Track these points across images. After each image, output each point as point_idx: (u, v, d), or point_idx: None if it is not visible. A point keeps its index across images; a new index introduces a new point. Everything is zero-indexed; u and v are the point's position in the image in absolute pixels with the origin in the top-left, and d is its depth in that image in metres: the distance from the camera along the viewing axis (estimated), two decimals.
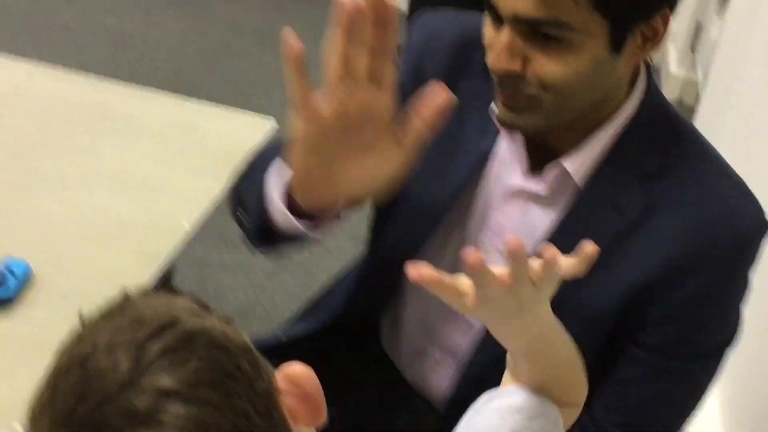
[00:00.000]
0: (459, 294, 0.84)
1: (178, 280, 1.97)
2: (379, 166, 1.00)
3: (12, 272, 1.27)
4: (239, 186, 1.21)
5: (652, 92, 1.14)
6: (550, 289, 0.89)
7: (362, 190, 1.02)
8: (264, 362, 0.71)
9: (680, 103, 3.64)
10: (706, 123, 2.87)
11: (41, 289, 1.29)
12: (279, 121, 1.77)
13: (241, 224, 1.19)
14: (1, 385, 1.15)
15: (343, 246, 2.72)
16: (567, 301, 1.12)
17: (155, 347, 0.65)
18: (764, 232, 1.11)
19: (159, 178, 1.56)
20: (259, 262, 2.68)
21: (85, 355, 0.67)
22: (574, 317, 1.12)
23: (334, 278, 1.49)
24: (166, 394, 0.63)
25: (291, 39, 0.93)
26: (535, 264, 0.85)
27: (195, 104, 1.80)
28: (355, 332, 1.37)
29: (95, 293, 1.29)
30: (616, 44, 1.02)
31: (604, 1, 0.98)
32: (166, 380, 0.64)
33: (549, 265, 0.84)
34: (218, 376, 0.66)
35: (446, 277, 0.83)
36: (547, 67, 1.02)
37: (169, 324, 0.67)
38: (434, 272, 0.81)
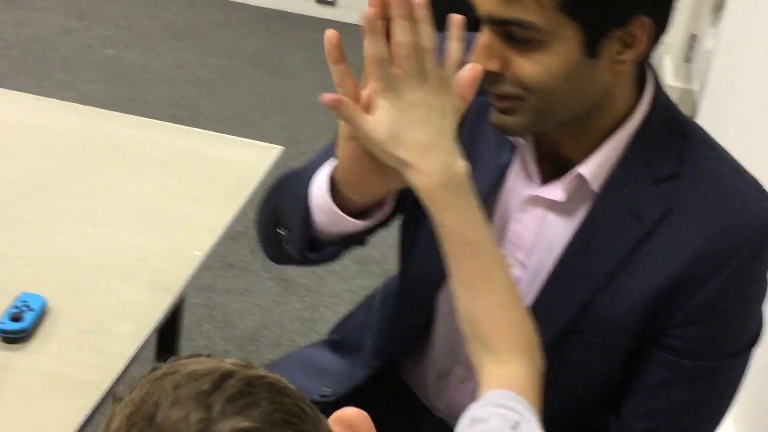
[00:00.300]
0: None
1: (186, 307, 1.96)
2: None
3: (28, 306, 1.27)
4: (272, 208, 1.24)
5: (661, 98, 1.15)
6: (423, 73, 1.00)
7: (394, 183, 1.07)
8: (316, 408, 0.72)
9: None
10: (707, 130, 2.87)
11: (58, 322, 1.29)
12: (279, 143, 1.79)
13: (280, 242, 1.21)
14: (21, 418, 1.14)
15: (349, 268, 2.73)
16: (592, 307, 1.15)
17: (222, 396, 0.66)
18: None
19: (170, 208, 1.56)
20: (266, 286, 2.69)
21: (149, 412, 0.66)
22: (600, 323, 1.15)
23: (355, 311, 1.51)
24: None
25: (329, 33, 1.01)
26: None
27: (201, 133, 1.81)
28: (379, 369, 1.37)
29: (112, 325, 1.30)
30: (591, 48, 1.04)
31: (569, 4, 1.00)
32: (242, 422, 0.64)
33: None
34: (288, 416, 0.67)
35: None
36: (524, 67, 1.05)
37: (226, 375, 0.67)
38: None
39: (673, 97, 3.69)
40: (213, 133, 1.81)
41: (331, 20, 4.38)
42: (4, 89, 1.87)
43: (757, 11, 2.64)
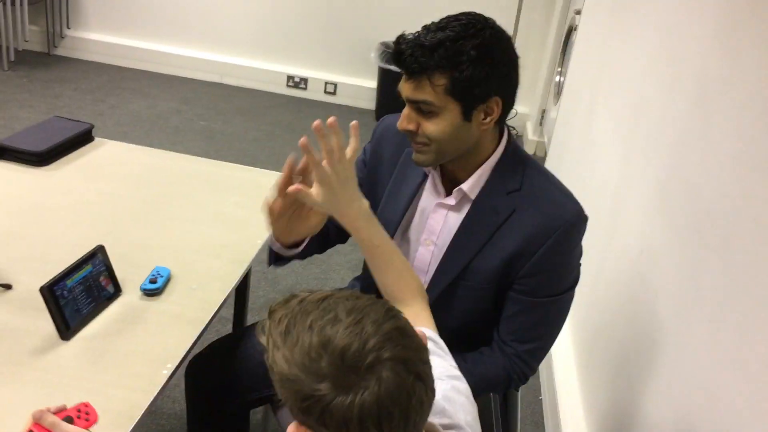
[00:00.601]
0: (310, 190, 0.98)
1: (250, 273, 1.96)
2: (311, 222, 1.09)
3: (160, 274, 1.28)
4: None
5: (512, 144, 1.15)
6: (342, 170, 0.98)
7: (306, 233, 1.10)
8: None
9: (535, 156, 3.68)
10: (552, 166, 2.91)
11: (177, 283, 1.29)
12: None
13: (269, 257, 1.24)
14: (156, 340, 1.15)
15: (347, 249, 2.73)
16: (470, 265, 1.14)
17: (380, 309, 0.63)
18: (585, 220, 1.12)
19: (241, 215, 1.56)
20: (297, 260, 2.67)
21: (333, 316, 0.62)
22: (475, 275, 1.14)
23: (349, 277, 1.50)
24: (393, 331, 0.62)
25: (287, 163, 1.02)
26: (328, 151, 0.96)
27: (258, 171, 1.80)
28: None
29: (208, 284, 1.31)
30: (466, 116, 1.05)
31: (451, 91, 1.01)
32: (395, 323, 0.63)
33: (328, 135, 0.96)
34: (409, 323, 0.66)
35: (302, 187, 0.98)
36: (428, 127, 1.05)
37: (372, 298, 0.65)
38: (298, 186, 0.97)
39: (532, 146, 3.75)
40: (264, 170, 1.80)
41: (332, 103, 4.38)
42: (141, 146, 1.86)
43: (582, 97, 2.67)
